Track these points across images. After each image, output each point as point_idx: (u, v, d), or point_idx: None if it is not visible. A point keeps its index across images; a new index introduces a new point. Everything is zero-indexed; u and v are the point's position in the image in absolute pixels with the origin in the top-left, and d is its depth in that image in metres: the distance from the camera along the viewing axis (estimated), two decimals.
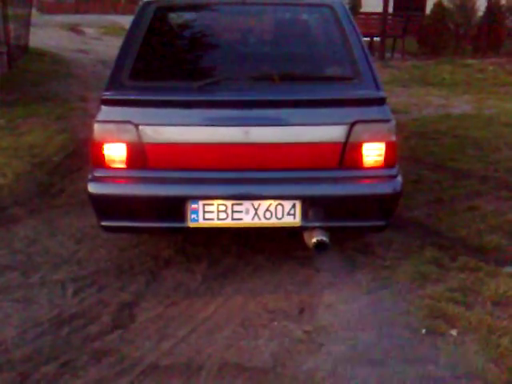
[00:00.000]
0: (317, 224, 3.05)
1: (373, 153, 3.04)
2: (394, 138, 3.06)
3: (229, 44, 3.65)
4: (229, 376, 2.49)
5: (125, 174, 3.05)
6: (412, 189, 4.65)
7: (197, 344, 2.71)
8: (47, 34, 15.98)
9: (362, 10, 13.97)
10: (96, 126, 3.00)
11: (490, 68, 12.04)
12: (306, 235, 3.13)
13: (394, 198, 3.12)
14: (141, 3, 3.56)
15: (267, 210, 3.01)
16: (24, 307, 2.98)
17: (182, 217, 3.00)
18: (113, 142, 2.99)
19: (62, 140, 5.83)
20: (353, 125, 2.99)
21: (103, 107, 3.03)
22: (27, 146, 5.52)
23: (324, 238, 3.02)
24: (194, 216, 3.00)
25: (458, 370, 2.49)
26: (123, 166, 3.02)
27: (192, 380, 2.46)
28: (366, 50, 3.31)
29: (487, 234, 3.82)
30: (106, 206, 3.10)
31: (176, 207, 3.01)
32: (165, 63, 3.42)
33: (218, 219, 3.01)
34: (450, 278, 3.27)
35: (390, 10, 14.59)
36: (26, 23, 12.35)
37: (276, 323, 2.89)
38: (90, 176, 3.10)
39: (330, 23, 3.50)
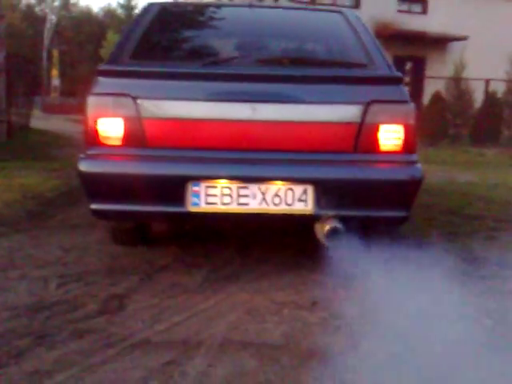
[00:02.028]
0: (331, 212, 2.73)
1: (391, 135, 2.81)
2: (413, 122, 2.83)
3: (237, 36, 3.52)
4: (232, 350, 2.12)
5: (120, 151, 2.76)
6: (427, 225, 4.41)
7: (196, 326, 2.34)
8: (49, 122, 16.18)
9: None
10: (90, 99, 2.74)
11: (490, 153, 12.11)
12: (317, 227, 2.81)
13: (415, 185, 2.84)
14: (145, 4, 3.51)
15: (276, 194, 2.73)
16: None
17: (181, 200, 2.70)
18: (108, 116, 2.73)
19: (55, 183, 5.60)
20: (368, 104, 2.77)
21: (99, 78, 2.78)
22: (20, 185, 5.27)
23: (338, 226, 2.69)
24: (195, 200, 2.70)
25: None
26: (119, 143, 2.74)
27: (189, 354, 2.08)
28: (378, 43, 3.19)
29: None
30: (97, 187, 2.78)
31: (175, 189, 2.71)
32: (168, 48, 3.30)
33: (222, 204, 2.71)
34: None
35: None
36: (29, 103, 12.52)
37: (286, 311, 2.54)
38: (81, 155, 2.80)
39: (340, 24, 3.44)
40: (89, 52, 38.07)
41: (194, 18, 3.68)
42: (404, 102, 2.84)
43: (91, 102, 2.75)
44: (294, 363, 2.04)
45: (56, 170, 6.52)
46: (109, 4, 47.95)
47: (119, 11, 42.78)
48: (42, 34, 37.51)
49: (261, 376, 1.95)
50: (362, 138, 2.79)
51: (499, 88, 14.38)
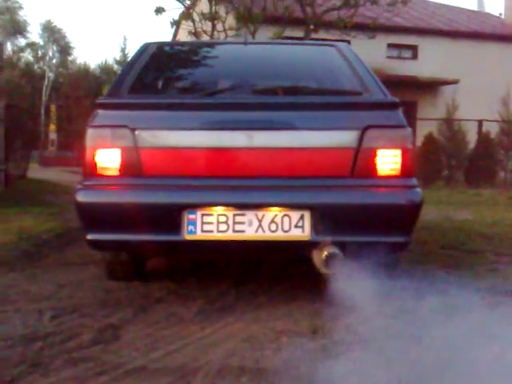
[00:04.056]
0: (329, 238, 2.65)
1: (388, 160, 2.79)
2: (410, 146, 2.83)
3: (233, 70, 3.56)
4: (230, 376, 2.08)
5: (117, 181, 2.78)
6: (426, 259, 4.38)
7: (192, 354, 2.30)
8: (47, 173, 16.22)
9: None
10: (90, 132, 2.78)
11: (486, 193, 12.13)
12: (315, 254, 2.69)
13: (414, 209, 2.80)
14: (141, 45, 3.58)
15: (272, 221, 2.69)
16: None
17: (177, 228, 2.68)
18: (106, 147, 2.76)
19: (51, 226, 5.58)
20: (365, 130, 2.77)
21: (98, 111, 2.83)
22: (17, 228, 5.24)
23: (336, 252, 2.61)
24: (191, 228, 2.68)
25: None
26: (116, 173, 2.76)
27: (186, 379, 2.04)
28: (372, 72, 3.26)
29: None
30: (94, 216, 2.77)
31: (171, 217, 2.69)
32: (165, 83, 3.41)
33: (218, 231, 2.69)
34: None
35: None
36: (27, 156, 12.60)
37: (285, 338, 2.49)
38: (78, 186, 2.83)
39: (334, 56, 3.49)
40: (86, 107, 38.52)
41: (190, 56, 3.77)
42: (400, 126, 2.84)
43: (90, 133, 2.79)
44: None
45: (52, 214, 6.53)
46: (105, 61, 48.68)
47: (115, 67, 43.53)
48: (41, 90, 38.11)
49: None
50: (358, 162, 2.77)
51: (492, 129, 14.53)
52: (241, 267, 3.93)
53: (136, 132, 2.75)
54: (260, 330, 2.60)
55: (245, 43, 3.79)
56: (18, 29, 43.91)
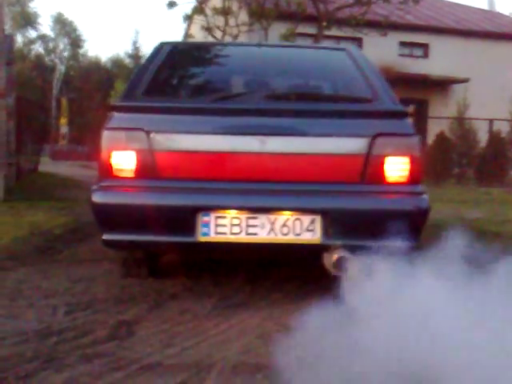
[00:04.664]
0: (339, 242, 2.73)
1: (396, 167, 2.87)
2: (418, 153, 2.90)
3: (246, 73, 3.70)
4: (244, 372, 2.07)
5: (132, 183, 2.85)
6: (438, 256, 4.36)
7: (207, 350, 2.29)
8: (58, 167, 16.31)
9: None
10: (105, 134, 2.85)
11: (496, 192, 12.08)
12: (325, 258, 2.78)
13: (421, 215, 2.87)
14: (156, 45, 3.61)
15: (284, 224, 2.76)
16: (7, 321, 2.59)
17: (191, 230, 2.75)
18: (122, 149, 2.83)
19: (63, 221, 5.58)
20: (374, 137, 2.84)
21: (114, 114, 2.90)
22: (29, 223, 5.27)
23: (346, 255, 2.66)
24: (205, 230, 2.75)
25: None
26: (131, 175, 2.83)
27: (201, 375, 2.03)
28: (383, 78, 3.31)
29: None
30: (109, 217, 2.84)
31: (186, 219, 2.75)
32: (179, 85, 3.48)
33: (231, 233, 2.75)
34: None
35: None
36: (38, 150, 12.65)
37: (299, 335, 2.47)
38: (94, 186, 2.88)
39: (345, 60, 3.54)
40: (97, 100, 38.60)
41: (205, 57, 3.84)
42: (409, 134, 2.92)
43: (106, 136, 2.85)
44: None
45: (63, 208, 6.53)
46: (117, 54, 48.78)
47: (127, 61, 43.60)
48: (52, 83, 38.24)
49: None
50: (368, 169, 2.85)
51: (503, 128, 14.45)
52: (255, 264, 3.92)
53: (151, 135, 2.80)
54: (274, 326, 2.60)
55: (259, 45, 3.92)
56: (29, 21, 44.05)
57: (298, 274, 3.65)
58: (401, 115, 2.99)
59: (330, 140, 2.87)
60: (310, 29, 14.06)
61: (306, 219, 2.77)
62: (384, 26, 13.87)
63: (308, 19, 13.90)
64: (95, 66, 43.71)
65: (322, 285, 3.29)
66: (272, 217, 2.75)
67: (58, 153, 29.33)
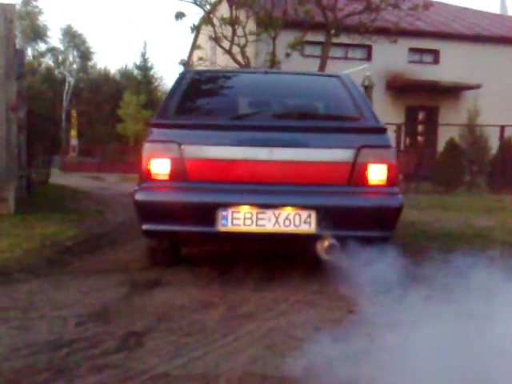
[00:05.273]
0: (329, 232, 3.40)
1: (377, 173, 3.56)
2: (394, 162, 3.61)
3: (256, 95, 4.49)
4: (252, 383, 2.10)
5: (166, 184, 3.55)
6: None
7: (215, 361, 2.32)
8: (68, 179, 16.39)
9: None
10: (146, 145, 3.56)
11: (508, 199, 11.99)
12: (318, 245, 3.44)
13: (396, 212, 3.57)
14: (179, 73, 4.46)
15: (286, 218, 3.45)
16: (19, 333, 2.64)
17: (213, 222, 3.44)
18: (159, 158, 3.53)
19: (74, 233, 5.62)
20: (359, 149, 3.54)
21: (154, 129, 3.63)
22: (40, 235, 5.32)
23: (336, 243, 3.33)
24: (223, 221, 3.44)
25: None
26: (166, 178, 3.53)
27: None
28: (367, 101, 4.08)
29: None
30: (148, 212, 3.54)
31: (208, 213, 3.44)
32: (203, 105, 4.23)
33: (244, 225, 3.44)
34: None
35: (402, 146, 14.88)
36: (48, 162, 12.76)
37: (306, 346, 2.50)
38: (136, 187, 3.58)
39: (337, 86, 4.25)
40: (106, 112, 38.85)
41: (221, 82, 4.58)
42: (387, 146, 3.62)
43: (146, 147, 3.57)
44: None
45: (74, 220, 6.57)
46: (126, 65, 49.10)
47: (135, 72, 43.80)
48: (61, 95, 38.52)
49: None
50: (354, 174, 3.55)
51: None
52: (261, 273, 3.95)
53: (182, 146, 3.52)
54: (281, 337, 2.62)
55: (265, 72, 4.93)
56: (39, 34, 44.44)
57: (304, 285, 3.68)
58: (381, 131, 3.69)
59: (323, 151, 3.57)
60: (319, 37, 14.11)
61: (304, 214, 3.46)
62: (393, 33, 13.89)
63: (316, 27, 13.93)
64: (104, 77, 43.97)
65: (328, 296, 3.37)
66: (277, 212, 3.45)
67: (69, 165, 29.45)
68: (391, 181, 3.57)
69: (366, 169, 3.53)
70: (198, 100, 4.24)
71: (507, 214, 9.28)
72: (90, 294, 3.38)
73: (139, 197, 3.53)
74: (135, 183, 3.72)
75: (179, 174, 3.51)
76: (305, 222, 3.44)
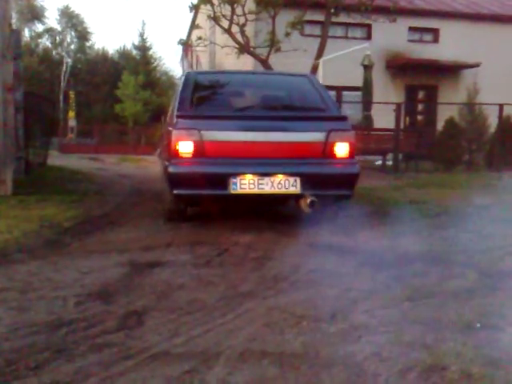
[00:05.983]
0: (309, 192, 4.64)
1: (342, 148, 4.84)
2: (354, 140, 4.92)
3: (248, 90, 5.71)
4: (251, 359, 2.11)
5: (190, 160, 4.67)
6: None
7: (214, 339, 2.33)
8: (67, 160, 16.28)
9: (375, 126, 14.24)
10: (174, 132, 4.72)
11: (506, 177, 11.97)
12: (301, 202, 4.73)
13: (356, 176, 4.85)
14: (184, 73, 6.10)
15: (279, 182, 4.65)
16: (18, 313, 2.64)
17: (225, 187, 4.58)
18: (184, 140, 4.66)
19: (72, 214, 5.60)
20: (329, 132, 4.81)
21: (179, 120, 4.79)
22: (38, 216, 5.31)
23: (314, 200, 4.61)
24: (234, 186, 4.59)
25: None
26: (190, 155, 4.66)
27: (208, 363, 2.06)
28: (330, 95, 5.55)
29: None
30: (177, 180, 4.66)
31: (222, 181, 4.59)
32: (211, 100, 5.49)
33: (249, 188, 4.60)
34: None
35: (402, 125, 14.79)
36: (46, 144, 12.69)
37: (305, 323, 2.51)
38: (168, 163, 4.69)
39: (306, 83, 5.60)
40: (104, 93, 38.57)
41: (219, 80, 5.79)
42: (349, 129, 4.94)
43: (174, 133, 4.71)
44: (315, 370, 2.01)
45: (73, 201, 6.55)
46: (124, 46, 48.60)
47: (134, 53, 43.42)
48: (59, 76, 38.24)
49: (281, 382, 1.92)
50: (326, 150, 4.82)
51: None
52: (261, 251, 3.96)
53: (201, 132, 4.66)
54: (280, 315, 2.63)
55: (252, 73, 7.32)
56: (36, 14, 43.99)
57: (304, 261, 3.68)
58: (344, 119, 5.04)
59: (304, 133, 4.86)
60: (318, 16, 13.98)
61: (291, 179, 4.66)
62: (393, 12, 13.76)
63: (316, 6, 13.82)
64: (102, 58, 43.57)
65: (328, 273, 3.37)
66: (272, 178, 4.64)
67: (67, 146, 29.25)
68: (351, 154, 4.87)
69: (334, 146, 4.80)
70: (204, 95, 5.46)
71: (508, 194, 9.26)
72: (89, 274, 3.37)
73: (171, 170, 4.63)
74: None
75: (200, 152, 4.63)
76: (292, 185, 4.64)
